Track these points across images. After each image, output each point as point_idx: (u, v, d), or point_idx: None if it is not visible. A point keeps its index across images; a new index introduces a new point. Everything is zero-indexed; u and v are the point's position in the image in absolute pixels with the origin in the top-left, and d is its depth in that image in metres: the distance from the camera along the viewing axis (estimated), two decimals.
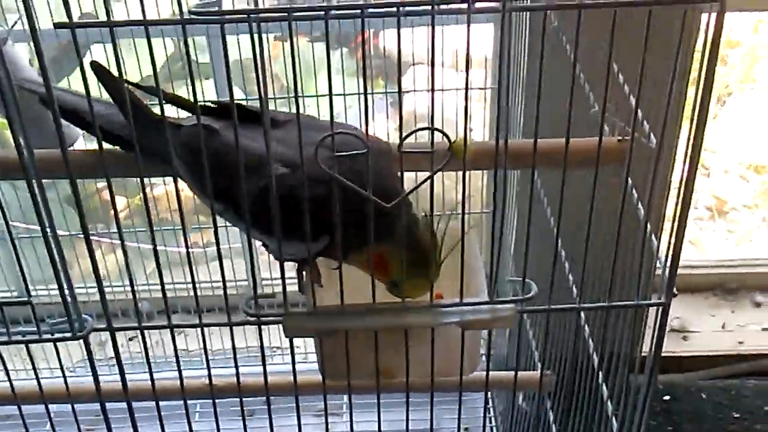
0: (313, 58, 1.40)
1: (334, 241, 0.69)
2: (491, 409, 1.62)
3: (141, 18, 0.56)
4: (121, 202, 1.98)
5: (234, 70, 1.42)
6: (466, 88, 0.65)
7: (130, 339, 1.72)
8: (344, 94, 1.45)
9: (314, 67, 1.40)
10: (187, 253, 0.69)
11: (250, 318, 0.71)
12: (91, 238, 1.70)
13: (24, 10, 0.56)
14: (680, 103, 0.70)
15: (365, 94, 0.65)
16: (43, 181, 0.62)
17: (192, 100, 0.79)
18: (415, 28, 1.40)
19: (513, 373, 0.88)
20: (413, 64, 1.56)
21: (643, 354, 0.82)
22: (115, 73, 0.67)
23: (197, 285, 0.71)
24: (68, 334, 0.70)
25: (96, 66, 0.72)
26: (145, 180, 0.67)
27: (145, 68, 1.41)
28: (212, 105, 0.81)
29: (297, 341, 0.79)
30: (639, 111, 0.72)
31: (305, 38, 1.67)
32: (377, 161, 0.66)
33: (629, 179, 0.74)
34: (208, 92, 1.58)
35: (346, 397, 1.58)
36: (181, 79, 1.70)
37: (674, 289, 0.73)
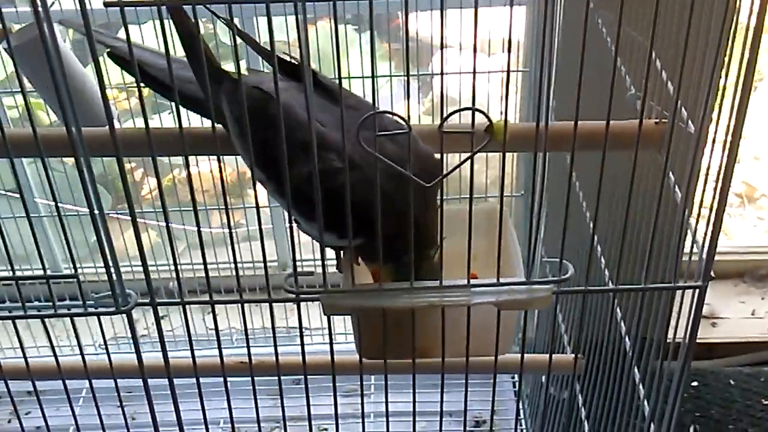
0: (346, 40, 1.41)
1: (367, 242, 0.71)
2: (518, 392, 1.63)
3: None
4: (151, 182, 2.01)
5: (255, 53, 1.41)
6: (508, 71, 0.65)
7: (162, 317, 1.75)
8: (375, 76, 1.46)
9: (346, 49, 1.41)
10: (230, 232, 0.71)
11: (289, 295, 0.72)
12: (121, 217, 1.71)
13: None
14: (718, 88, 0.70)
15: (407, 77, 0.65)
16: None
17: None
18: (435, 11, 1.40)
19: (545, 355, 0.89)
20: (446, 47, 1.56)
21: (676, 340, 0.82)
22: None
23: (216, 264, 0.72)
24: (112, 309, 0.71)
25: (174, 9, 0.70)
26: (178, 162, 0.68)
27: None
28: (285, 59, 0.79)
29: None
30: (675, 93, 0.72)
31: (329, 21, 1.68)
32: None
33: (665, 162, 0.74)
34: None
35: (373, 378, 1.60)
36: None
37: (711, 272, 0.74)
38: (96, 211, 0.64)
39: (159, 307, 0.73)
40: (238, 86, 0.70)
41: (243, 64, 1.60)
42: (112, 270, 0.69)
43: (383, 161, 0.64)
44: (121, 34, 1.59)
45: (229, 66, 1.63)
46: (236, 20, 1.50)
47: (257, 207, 0.71)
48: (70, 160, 1.85)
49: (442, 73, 0.61)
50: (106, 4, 0.58)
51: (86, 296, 0.72)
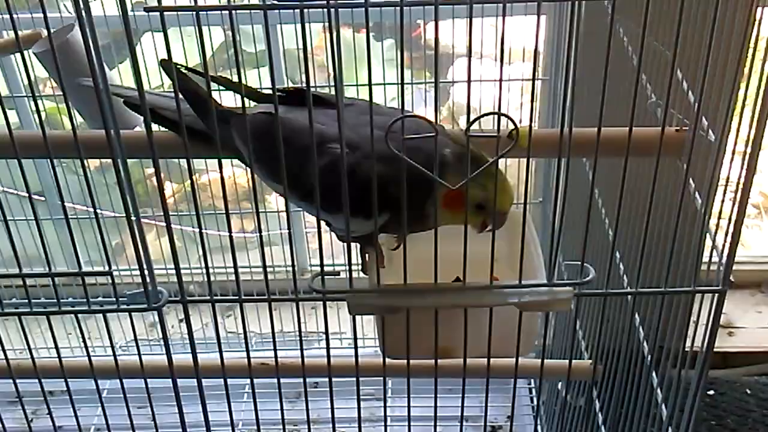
0: (368, 47, 1.42)
1: (396, 217, 0.72)
2: (534, 399, 1.64)
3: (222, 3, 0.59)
4: (172, 187, 2.03)
5: (278, 60, 1.43)
6: (533, 79, 0.66)
7: (181, 320, 1.77)
8: (403, 83, 1.48)
9: (368, 57, 1.43)
10: (260, 236, 0.72)
11: (316, 294, 0.73)
12: (144, 220, 1.74)
13: None
14: (737, 97, 0.71)
15: (435, 85, 0.67)
16: (99, 165, 0.65)
17: (251, 86, 0.83)
18: (456, 20, 1.42)
19: (564, 361, 0.90)
20: (466, 56, 1.58)
21: (694, 348, 0.83)
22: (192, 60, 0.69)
23: (238, 269, 0.74)
24: (144, 306, 0.73)
25: (165, 63, 0.73)
26: (200, 166, 0.70)
27: (191, 59, 1.45)
28: (279, 92, 0.83)
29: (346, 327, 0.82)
30: (697, 103, 0.73)
31: (348, 28, 1.70)
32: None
33: (686, 169, 0.76)
34: (256, 82, 1.61)
35: (390, 382, 1.61)
36: (232, 67, 1.74)
37: (730, 277, 0.75)
38: (132, 211, 0.66)
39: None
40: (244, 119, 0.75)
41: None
42: (145, 268, 0.71)
43: (401, 154, 0.66)
44: (146, 39, 1.62)
45: (252, 73, 1.64)
46: (259, 27, 1.53)
47: (287, 211, 0.73)
48: (93, 163, 1.88)
49: (468, 81, 0.63)
50: (146, 9, 0.60)
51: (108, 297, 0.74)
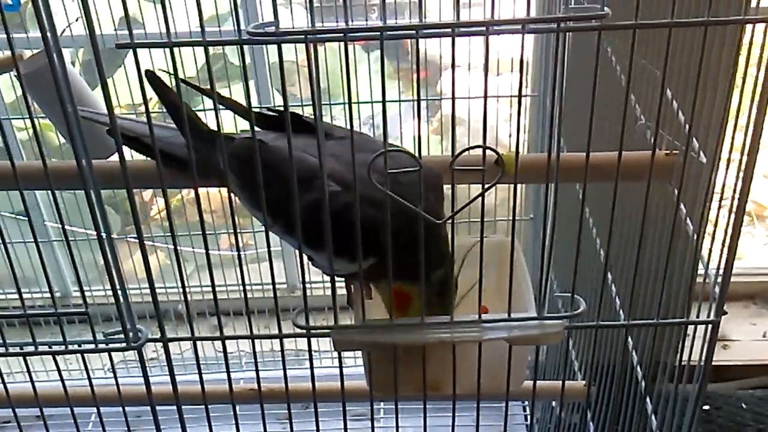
0: (355, 59, 1.41)
1: (380, 262, 0.69)
2: (528, 417, 1.62)
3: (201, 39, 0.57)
4: (160, 202, 2.01)
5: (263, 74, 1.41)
6: (519, 104, 0.64)
7: (170, 339, 1.74)
8: (385, 110, 1.47)
9: (355, 69, 1.41)
10: (239, 256, 0.70)
11: (300, 330, 0.71)
12: (127, 240, 1.70)
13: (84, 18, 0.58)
14: (727, 118, 0.70)
15: (419, 106, 0.65)
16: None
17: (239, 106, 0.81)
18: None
19: (557, 383, 0.88)
20: (454, 69, 1.56)
21: (690, 364, 0.81)
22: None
23: (225, 287, 0.72)
24: (123, 345, 0.71)
25: (152, 76, 0.73)
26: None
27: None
28: (268, 113, 0.81)
29: None
30: (688, 127, 0.71)
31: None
32: (424, 188, 0.65)
33: (677, 194, 0.74)
34: (240, 95, 1.59)
35: (382, 402, 1.59)
36: (218, 82, 1.72)
37: (724, 307, 0.73)
38: (110, 257, 0.64)
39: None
40: (230, 143, 0.75)
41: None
42: (123, 308, 0.69)
43: (390, 192, 0.64)
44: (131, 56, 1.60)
45: (237, 86, 1.62)
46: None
47: (267, 233, 0.71)
48: None
49: (453, 97, 0.61)
50: (118, 46, 0.58)
51: (95, 319, 0.72)
